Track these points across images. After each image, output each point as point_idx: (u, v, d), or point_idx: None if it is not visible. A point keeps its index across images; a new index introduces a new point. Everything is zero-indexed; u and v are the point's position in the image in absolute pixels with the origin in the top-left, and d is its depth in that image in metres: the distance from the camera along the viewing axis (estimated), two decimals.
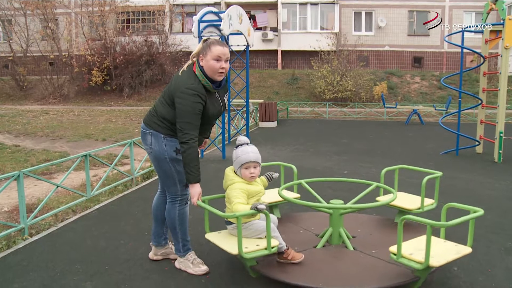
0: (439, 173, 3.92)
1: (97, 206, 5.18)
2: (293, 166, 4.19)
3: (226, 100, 3.33)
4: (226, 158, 8.47)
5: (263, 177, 3.42)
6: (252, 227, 3.06)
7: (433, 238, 2.99)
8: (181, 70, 3.12)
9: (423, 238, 3.00)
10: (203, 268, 3.27)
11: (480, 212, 2.96)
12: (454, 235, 3.64)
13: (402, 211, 3.88)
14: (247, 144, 3.22)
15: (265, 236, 3.01)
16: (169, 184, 3.22)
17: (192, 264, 3.29)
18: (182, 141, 2.95)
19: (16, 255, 3.71)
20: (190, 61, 3.13)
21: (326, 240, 3.54)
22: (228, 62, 3.08)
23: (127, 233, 4.21)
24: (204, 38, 3.15)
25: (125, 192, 5.86)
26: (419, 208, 3.82)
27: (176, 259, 3.44)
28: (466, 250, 2.98)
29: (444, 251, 2.93)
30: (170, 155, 3.12)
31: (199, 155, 3.05)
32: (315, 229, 3.82)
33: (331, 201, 3.61)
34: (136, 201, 5.42)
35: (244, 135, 3.52)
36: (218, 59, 2.98)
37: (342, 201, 3.57)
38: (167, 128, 3.11)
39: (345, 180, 4.31)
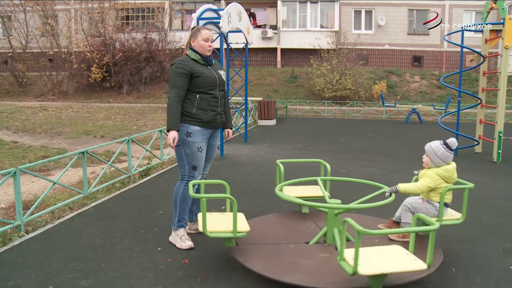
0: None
1: (94, 204, 5.16)
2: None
3: (222, 75, 3.87)
4: (224, 155, 8.44)
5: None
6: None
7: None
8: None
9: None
10: (188, 244, 3.69)
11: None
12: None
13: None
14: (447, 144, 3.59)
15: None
16: (180, 165, 3.84)
17: (180, 239, 3.73)
18: (168, 98, 3.63)
19: (12, 252, 3.69)
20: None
21: (320, 238, 3.53)
22: (213, 41, 3.87)
23: (124, 231, 4.19)
24: (191, 26, 3.85)
25: (122, 190, 5.84)
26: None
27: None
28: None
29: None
30: (181, 138, 3.68)
31: (179, 109, 3.61)
32: None
33: (328, 200, 3.59)
34: (133, 198, 5.40)
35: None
36: (206, 40, 3.74)
37: (339, 201, 3.55)
38: None
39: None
